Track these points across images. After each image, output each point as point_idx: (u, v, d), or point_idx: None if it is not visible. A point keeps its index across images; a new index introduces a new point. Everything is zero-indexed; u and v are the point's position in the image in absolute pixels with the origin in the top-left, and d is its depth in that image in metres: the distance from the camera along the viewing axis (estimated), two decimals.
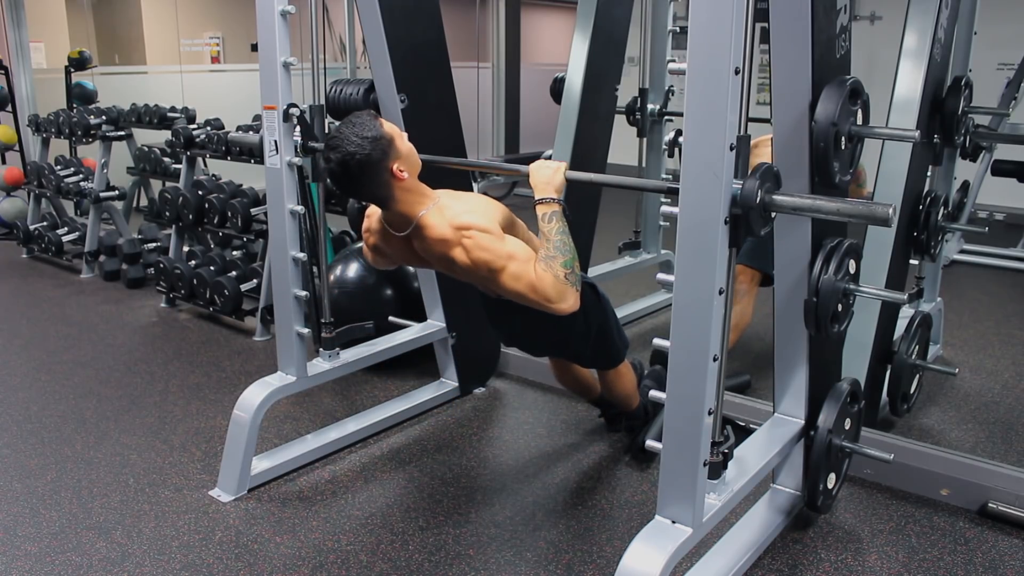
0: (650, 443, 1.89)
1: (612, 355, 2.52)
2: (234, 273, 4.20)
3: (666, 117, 4.34)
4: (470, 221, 2.00)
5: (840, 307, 2.08)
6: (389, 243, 2.23)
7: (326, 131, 2.56)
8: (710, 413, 1.76)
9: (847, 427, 2.37)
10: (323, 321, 2.81)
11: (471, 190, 3.13)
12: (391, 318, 3.28)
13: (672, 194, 1.74)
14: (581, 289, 2.08)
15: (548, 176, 2.02)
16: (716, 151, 1.59)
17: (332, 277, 3.50)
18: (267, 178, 2.65)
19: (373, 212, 2.28)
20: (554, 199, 2.00)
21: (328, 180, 2.08)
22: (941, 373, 3.28)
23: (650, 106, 4.28)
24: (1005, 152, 4.94)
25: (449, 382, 3.32)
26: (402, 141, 2.03)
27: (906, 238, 2.83)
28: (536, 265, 1.97)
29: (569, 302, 1.98)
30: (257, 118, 4.93)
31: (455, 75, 2.92)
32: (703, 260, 1.66)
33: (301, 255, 2.69)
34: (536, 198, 2.02)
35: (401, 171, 2.00)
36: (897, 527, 2.42)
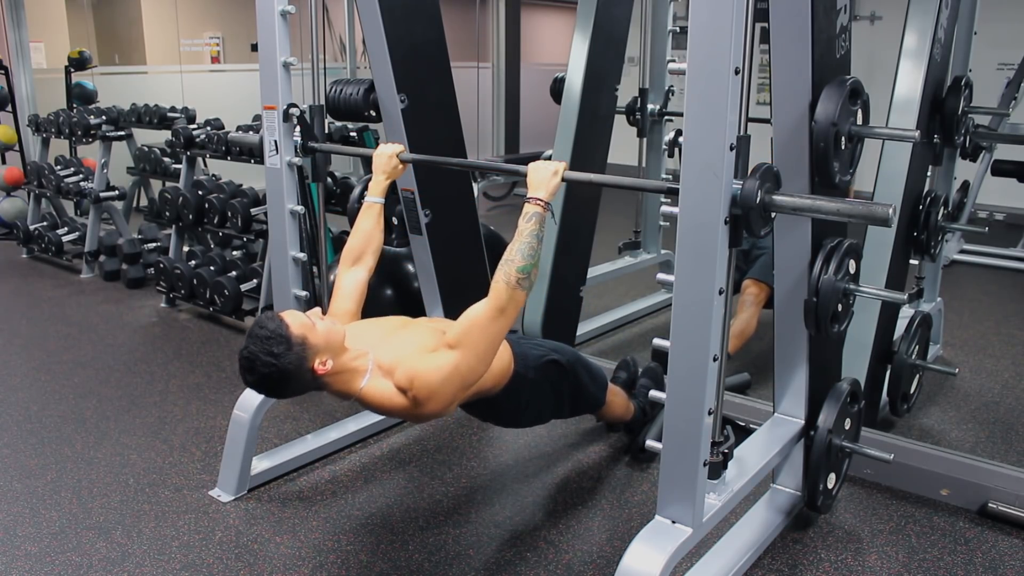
0: (650, 443, 1.88)
1: (591, 403, 2.48)
2: (234, 273, 4.20)
3: (666, 117, 4.34)
4: (410, 372, 1.83)
5: (840, 307, 2.08)
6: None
7: (326, 131, 2.55)
8: (710, 413, 1.76)
9: (847, 427, 2.37)
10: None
11: (471, 190, 3.13)
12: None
13: (672, 194, 1.73)
14: (544, 365, 2.10)
15: (545, 177, 2.00)
16: (716, 151, 1.59)
17: (332, 277, 3.49)
18: (267, 178, 2.65)
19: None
20: (542, 201, 1.96)
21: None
22: (941, 373, 3.28)
23: (650, 106, 4.28)
24: (1005, 152, 4.94)
25: None
26: (314, 333, 1.82)
27: (906, 238, 2.83)
28: (494, 276, 1.85)
29: (515, 306, 1.85)
30: (257, 118, 4.93)
31: (455, 75, 2.91)
32: (703, 260, 1.66)
33: (301, 255, 2.69)
34: (527, 195, 1.99)
35: (324, 363, 1.82)
36: (897, 527, 2.42)
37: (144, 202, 6.03)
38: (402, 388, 1.84)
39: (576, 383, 2.36)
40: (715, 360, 1.72)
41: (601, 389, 2.48)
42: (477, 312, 1.85)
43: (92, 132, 5.12)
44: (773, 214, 1.75)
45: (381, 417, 3.01)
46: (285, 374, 1.78)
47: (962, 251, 5.42)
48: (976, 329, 4.18)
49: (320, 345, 1.82)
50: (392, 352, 1.92)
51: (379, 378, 1.89)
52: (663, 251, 4.49)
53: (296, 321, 1.81)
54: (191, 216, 4.36)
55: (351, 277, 2.25)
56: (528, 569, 2.23)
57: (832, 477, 2.34)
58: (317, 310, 1.95)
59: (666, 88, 4.35)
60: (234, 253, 4.52)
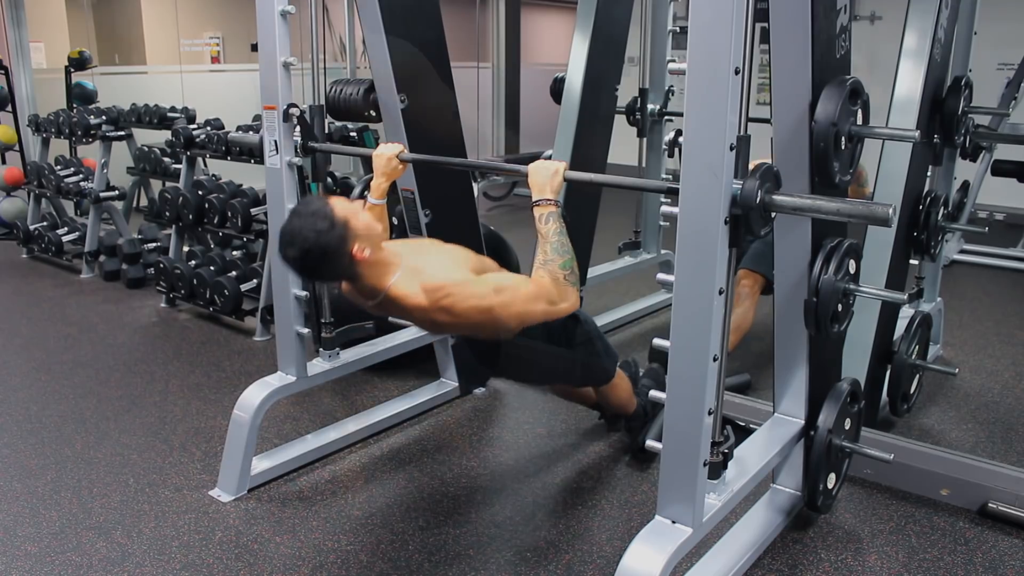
0: (650, 443, 1.89)
1: (601, 373, 2.52)
2: (234, 273, 4.20)
3: (666, 117, 4.34)
4: (442, 280, 1.96)
5: (840, 307, 2.08)
6: (362, 303, 2.16)
7: (326, 131, 2.55)
8: (710, 413, 1.76)
9: (847, 427, 2.37)
10: (323, 321, 2.81)
11: (471, 190, 3.13)
12: (391, 318, 3.27)
13: (672, 194, 1.73)
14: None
15: (547, 177, 2.01)
16: (716, 151, 1.58)
17: None
18: (267, 178, 2.65)
19: None
20: (551, 200, 1.99)
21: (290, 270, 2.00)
22: (941, 373, 3.28)
23: (650, 106, 4.28)
24: (1005, 152, 4.93)
25: (449, 382, 3.32)
26: (357, 219, 1.92)
27: (906, 238, 2.83)
28: (534, 274, 1.96)
29: (571, 301, 1.99)
30: (257, 118, 4.93)
31: (455, 75, 2.91)
32: (703, 260, 1.65)
33: None
34: (533, 199, 2.01)
35: (362, 250, 1.91)
36: (897, 527, 2.42)
37: (144, 202, 6.02)
38: (429, 290, 1.94)
39: (590, 346, 2.42)
40: (715, 360, 1.72)
41: (613, 363, 2.53)
42: (520, 291, 1.96)
43: (92, 132, 5.12)
44: (773, 214, 1.75)
45: (381, 417, 3.02)
46: (325, 251, 1.86)
47: (962, 251, 5.42)
48: (976, 329, 4.18)
49: (361, 231, 1.92)
50: (425, 261, 2.03)
51: (409, 278, 1.99)
52: (663, 251, 4.49)
53: (341, 203, 1.92)
54: (191, 216, 4.36)
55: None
56: (528, 569, 2.23)
57: (832, 477, 2.34)
58: (359, 202, 2.08)
59: (666, 88, 4.35)
60: (234, 253, 4.52)
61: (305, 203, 1.91)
